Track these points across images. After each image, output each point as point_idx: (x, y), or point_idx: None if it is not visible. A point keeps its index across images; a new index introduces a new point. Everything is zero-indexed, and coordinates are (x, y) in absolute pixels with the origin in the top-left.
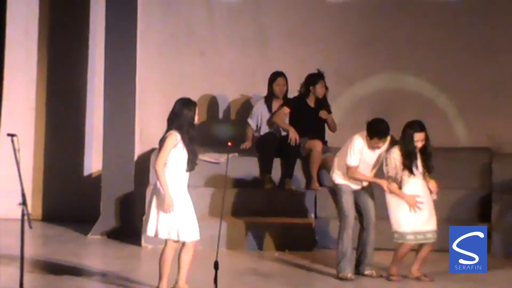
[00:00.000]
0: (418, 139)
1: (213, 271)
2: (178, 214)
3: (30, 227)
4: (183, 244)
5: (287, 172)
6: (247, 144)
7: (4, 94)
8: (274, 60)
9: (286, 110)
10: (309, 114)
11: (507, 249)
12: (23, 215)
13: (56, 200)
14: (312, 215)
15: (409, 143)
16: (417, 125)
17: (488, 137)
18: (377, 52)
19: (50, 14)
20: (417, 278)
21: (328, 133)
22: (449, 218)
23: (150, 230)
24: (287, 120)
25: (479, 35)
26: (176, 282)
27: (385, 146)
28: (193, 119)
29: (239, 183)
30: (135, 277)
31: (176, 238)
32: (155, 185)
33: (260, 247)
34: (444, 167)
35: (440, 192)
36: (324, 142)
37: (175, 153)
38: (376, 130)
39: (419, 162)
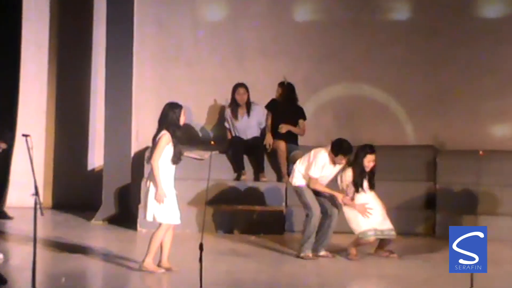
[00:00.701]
0: (370, 160)
1: (198, 251)
2: (169, 201)
3: (42, 214)
4: (168, 227)
5: (259, 167)
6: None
7: (19, 100)
8: (249, 71)
9: (269, 115)
10: (279, 117)
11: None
12: (35, 204)
13: (64, 191)
14: (283, 204)
15: (360, 165)
16: (368, 148)
17: (433, 137)
18: (338, 64)
19: (58, 32)
20: (386, 256)
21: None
22: (399, 206)
23: (149, 216)
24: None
25: (424, 51)
26: (160, 260)
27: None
28: (178, 120)
29: (220, 177)
30: (132, 256)
31: (170, 223)
32: (149, 177)
33: (238, 231)
34: (395, 162)
35: (391, 184)
36: (292, 141)
37: (167, 150)
38: (341, 149)
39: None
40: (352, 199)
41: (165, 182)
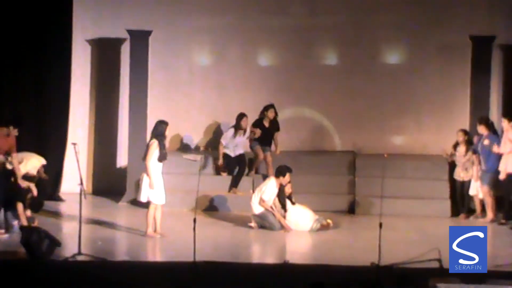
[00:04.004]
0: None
1: (189, 223)
2: (158, 188)
3: (85, 198)
4: (156, 206)
5: (236, 180)
6: (220, 162)
7: (70, 118)
8: (227, 100)
9: (258, 131)
10: (264, 130)
11: (366, 210)
12: (80, 190)
13: (100, 182)
14: (251, 191)
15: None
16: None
17: (353, 144)
18: (288, 95)
19: (96, 73)
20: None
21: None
22: (330, 192)
23: (143, 197)
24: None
25: (345, 85)
26: (155, 229)
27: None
28: (164, 132)
29: (207, 172)
30: (145, 228)
31: (158, 203)
32: (144, 171)
33: (221, 209)
34: (327, 162)
35: (324, 177)
36: (269, 145)
37: (156, 153)
38: (280, 172)
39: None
40: (284, 215)
41: (155, 175)
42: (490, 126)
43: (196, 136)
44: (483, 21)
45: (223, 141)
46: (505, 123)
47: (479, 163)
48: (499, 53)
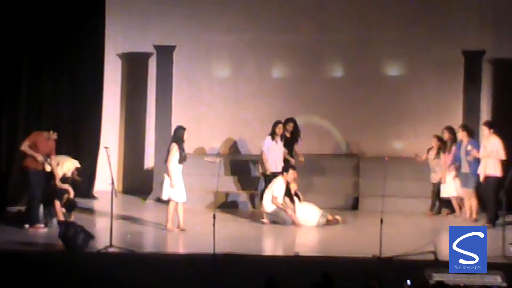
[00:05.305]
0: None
1: (212, 219)
2: (178, 187)
3: (116, 196)
4: (177, 203)
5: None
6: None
7: (102, 124)
8: (245, 108)
9: (292, 160)
10: (287, 141)
11: (368, 208)
12: (112, 189)
13: (129, 181)
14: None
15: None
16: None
17: (357, 148)
18: (299, 104)
19: (126, 84)
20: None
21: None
22: (337, 191)
23: (165, 196)
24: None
25: (351, 96)
26: (178, 224)
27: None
28: (183, 136)
29: (222, 173)
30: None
31: (179, 200)
32: (165, 172)
33: (238, 207)
34: (335, 164)
35: (332, 178)
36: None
37: (176, 156)
38: (285, 169)
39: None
40: (294, 210)
41: (175, 175)
42: (470, 132)
43: (216, 141)
44: (474, 37)
45: (265, 149)
46: (485, 130)
47: (456, 169)
48: (489, 66)
